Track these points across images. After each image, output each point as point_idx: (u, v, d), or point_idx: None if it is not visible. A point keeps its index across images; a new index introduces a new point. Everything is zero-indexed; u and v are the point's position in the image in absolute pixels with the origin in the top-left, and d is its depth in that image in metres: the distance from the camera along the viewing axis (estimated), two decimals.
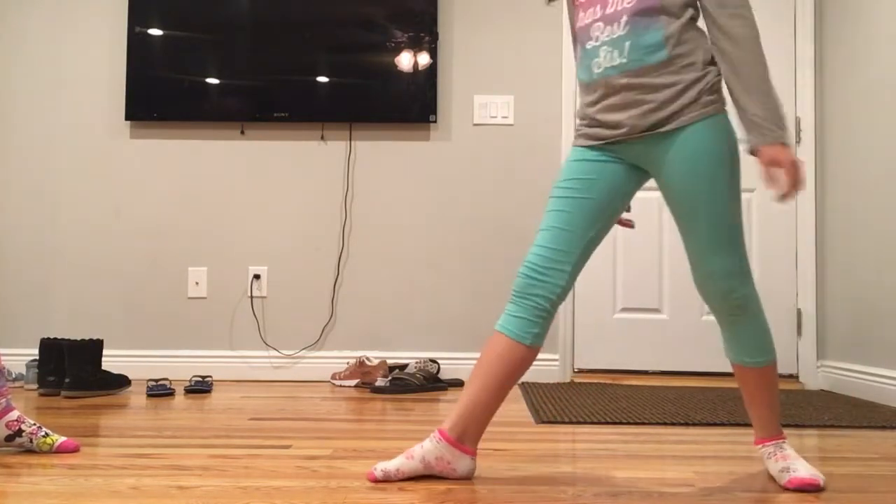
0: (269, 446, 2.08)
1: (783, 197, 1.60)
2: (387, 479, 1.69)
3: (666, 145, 1.65)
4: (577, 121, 1.79)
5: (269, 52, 3.66)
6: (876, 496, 1.65)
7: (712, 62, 1.66)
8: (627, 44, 1.65)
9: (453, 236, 3.72)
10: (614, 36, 1.66)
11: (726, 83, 1.65)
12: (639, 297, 3.73)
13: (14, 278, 3.69)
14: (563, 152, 3.68)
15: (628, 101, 1.66)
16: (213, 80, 3.66)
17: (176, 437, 2.21)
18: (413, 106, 3.66)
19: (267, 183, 3.74)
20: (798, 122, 3.73)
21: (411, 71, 3.66)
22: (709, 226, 1.64)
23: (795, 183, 1.58)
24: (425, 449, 1.71)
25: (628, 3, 1.65)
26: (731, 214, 1.65)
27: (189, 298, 3.69)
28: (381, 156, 3.74)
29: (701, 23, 1.69)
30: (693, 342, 3.64)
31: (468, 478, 1.73)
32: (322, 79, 3.66)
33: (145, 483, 1.67)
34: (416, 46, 3.66)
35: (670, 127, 1.63)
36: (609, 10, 1.67)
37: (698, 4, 1.67)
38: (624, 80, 1.66)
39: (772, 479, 1.77)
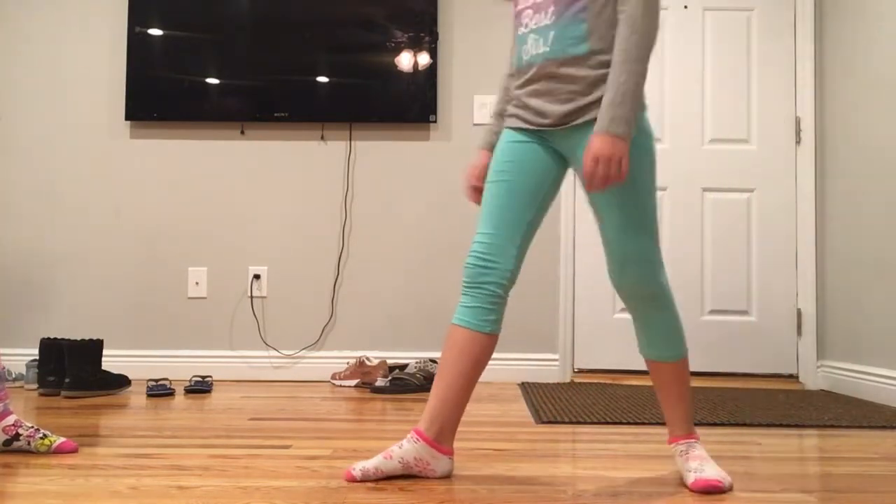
0: (269, 446, 2.08)
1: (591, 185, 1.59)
2: (365, 479, 1.69)
3: (577, 138, 1.68)
4: (510, 105, 1.80)
5: (269, 52, 3.66)
6: (876, 496, 1.65)
7: None
8: (552, 33, 1.68)
9: (453, 236, 3.72)
10: (541, 24, 1.70)
11: None
12: None
13: (14, 278, 3.69)
14: None
15: (550, 88, 1.70)
16: (213, 80, 3.67)
17: (176, 437, 2.21)
18: (413, 106, 3.66)
19: (267, 183, 3.74)
20: (798, 121, 3.73)
21: (411, 71, 3.66)
22: (620, 214, 1.66)
23: (601, 178, 1.57)
24: (404, 449, 1.71)
25: None
26: (641, 204, 1.66)
27: (189, 298, 3.69)
28: (381, 156, 3.74)
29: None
30: (693, 342, 3.63)
31: (447, 477, 1.74)
32: (322, 79, 3.66)
33: (145, 483, 1.67)
34: (416, 46, 3.66)
35: (580, 120, 1.66)
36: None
37: None
38: (547, 69, 1.69)
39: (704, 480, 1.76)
